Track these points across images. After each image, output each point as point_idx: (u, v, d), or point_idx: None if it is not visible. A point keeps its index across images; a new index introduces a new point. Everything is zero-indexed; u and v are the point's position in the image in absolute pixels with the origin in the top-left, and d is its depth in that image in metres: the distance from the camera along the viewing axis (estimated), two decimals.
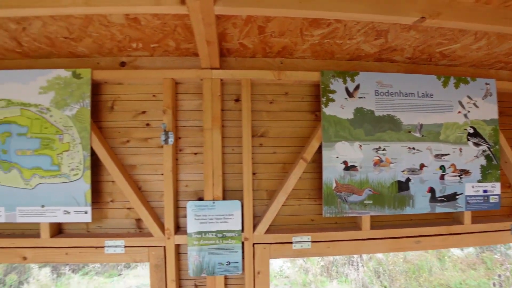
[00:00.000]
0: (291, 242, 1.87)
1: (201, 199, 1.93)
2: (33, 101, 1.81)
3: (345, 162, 1.86)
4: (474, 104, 1.99)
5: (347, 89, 1.89)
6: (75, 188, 1.80)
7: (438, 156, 1.95)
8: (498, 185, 2.00)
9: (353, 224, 1.98)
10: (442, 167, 1.95)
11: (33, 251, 1.82)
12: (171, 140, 1.80)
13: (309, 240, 1.87)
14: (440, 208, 1.95)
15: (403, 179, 1.91)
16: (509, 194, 2.17)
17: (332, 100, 1.89)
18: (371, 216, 1.90)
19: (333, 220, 1.99)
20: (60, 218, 1.80)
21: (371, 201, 1.88)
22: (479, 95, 2.01)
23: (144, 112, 1.93)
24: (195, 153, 1.92)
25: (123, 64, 1.91)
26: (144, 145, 1.92)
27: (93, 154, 1.80)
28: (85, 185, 1.79)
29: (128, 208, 1.92)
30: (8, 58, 1.91)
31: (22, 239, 1.82)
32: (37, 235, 1.87)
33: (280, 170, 1.96)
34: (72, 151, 1.80)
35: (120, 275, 6.35)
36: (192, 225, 1.82)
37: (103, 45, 1.78)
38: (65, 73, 1.82)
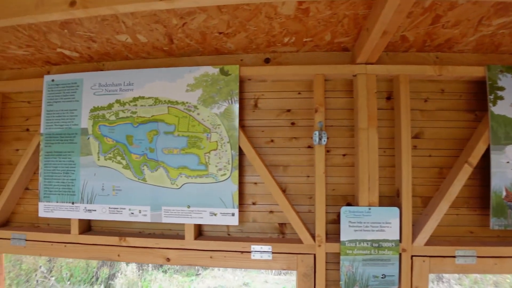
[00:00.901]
0: (453, 256, 1.67)
1: (349, 204, 1.78)
2: (180, 98, 1.77)
3: None
4: None
5: None
6: (222, 188, 1.72)
7: None
8: None
9: None
10: None
11: (177, 253, 1.77)
12: (324, 140, 1.68)
13: (474, 254, 1.66)
14: None
15: None
16: None
17: (501, 98, 1.68)
18: None
19: (495, 233, 1.76)
20: (206, 219, 1.74)
21: None
22: None
23: (289, 110, 1.83)
24: (344, 155, 1.79)
25: (267, 61, 1.83)
26: (289, 145, 1.81)
27: (239, 154, 1.71)
28: (233, 186, 1.72)
29: (271, 212, 1.82)
30: (151, 57, 1.90)
31: (167, 240, 1.78)
32: (176, 236, 1.83)
33: (436, 175, 1.77)
34: (220, 150, 1.73)
35: (198, 274, 6.39)
36: (345, 232, 1.68)
37: (254, 40, 1.70)
38: (212, 70, 1.76)
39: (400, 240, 1.68)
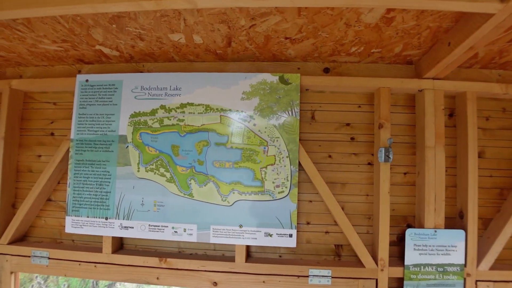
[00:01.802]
0: None
1: (410, 225, 1.69)
2: (234, 107, 1.63)
3: None
4: None
5: None
6: (279, 207, 1.59)
7: None
8: None
9: None
10: None
11: (225, 276, 1.62)
12: (391, 157, 1.58)
13: None
14: None
15: None
16: None
17: None
18: None
19: None
20: (261, 241, 1.60)
21: None
22: None
23: (348, 124, 1.72)
24: (405, 173, 1.70)
25: (326, 70, 1.72)
26: (347, 162, 1.70)
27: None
28: (292, 205, 1.59)
29: (326, 232, 1.71)
30: (199, 60, 1.75)
31: (214, 262, 1.63)
32: (224, 258, 1.68)
33: (497, 196, 1.72)
34: (278, 165, 1.59)
35: None
36: (410, 256, 1.58)
37: (319, 48, 1.59)
38: (271, 78, 1.63)
39: (465, 265, 1.59)
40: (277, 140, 1.61)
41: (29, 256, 1.73)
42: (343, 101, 1.73)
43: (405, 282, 1.58)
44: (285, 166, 1.60)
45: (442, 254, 1.60)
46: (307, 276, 1.60)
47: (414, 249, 1.59)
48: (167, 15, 1.33)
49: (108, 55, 1.73)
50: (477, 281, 1.60)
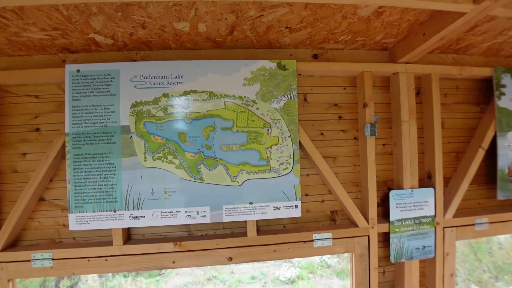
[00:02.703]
0: (472, 224, 2.03)
1: (390, 188, 1.99)
2: (237, 93, 1.73)
3: None
4: None
5: None
6: (285, 182, 1.76)
7: None
8: None
9: None
10: None
11: (239, 251, 1.75)
12: (376, 131, 1.84)
13: (487, 221, 2.04)
14: None
15: None
16: None
17: (504, 94, 2.07)
18: None
19: (495, 202, 2.18)
20: (270, 214, 1.75)
21: None
22: None
23: (336, 104, 1.93)
24: (384, 144, 1.98)
25: (315, 56, 1.89)
26: (337, 138, 1.93)
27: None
28: (295, 179, 1.77)
29: (322, 201, 1.93)
30: (196, 47, 1.79)
31: (228, 239, 1.74)
32: (234, 234, 1.80)
33: (454, 158, 2.10)
34: (281, 145, 1.75)
35: (161, 274, 6.02)
36: (394, 213, 1.89)
37: (312, 36, 1.75)
38: (269, 64, 1.76)
39: (435, 216, 1.95)
40: (279, 122, 1.75)
41: (29, 261, 1.64)
42: (331, 84, 1.93)
43: (391, 235, 1.88)
44: (287, 145, 1.75)
45: (417, 209, 1.92)
46: (312, 241, 1.80)
47: (396, 207, 1.89)
48: (180, 4, 1.35)
49: (100, 43, 1.67)
50: (444, 227, 1.97)
